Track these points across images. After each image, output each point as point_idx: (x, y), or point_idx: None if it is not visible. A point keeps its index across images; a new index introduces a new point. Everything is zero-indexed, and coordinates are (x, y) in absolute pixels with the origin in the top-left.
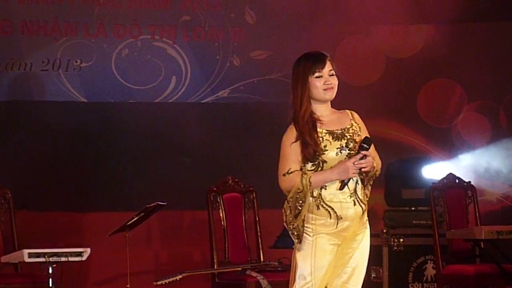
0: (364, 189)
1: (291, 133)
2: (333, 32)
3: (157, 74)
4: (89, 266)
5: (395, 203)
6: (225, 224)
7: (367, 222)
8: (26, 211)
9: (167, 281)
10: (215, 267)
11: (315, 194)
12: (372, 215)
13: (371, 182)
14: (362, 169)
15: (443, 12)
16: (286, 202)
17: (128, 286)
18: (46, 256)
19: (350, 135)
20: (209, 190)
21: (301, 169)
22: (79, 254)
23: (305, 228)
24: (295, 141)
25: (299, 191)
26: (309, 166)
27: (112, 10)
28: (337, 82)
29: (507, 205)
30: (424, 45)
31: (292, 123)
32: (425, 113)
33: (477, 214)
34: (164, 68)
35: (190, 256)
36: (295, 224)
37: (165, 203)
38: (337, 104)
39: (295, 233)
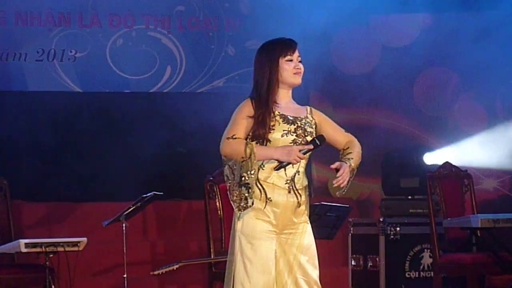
0: (306, 192)
1: (248, 107)
2: (329, 21)
3: (151, 64)
4: (86, 256)
5: (392, 192)
6: (221, 213)
7: (306, 217)
8: (22, 201)
9: (164, 270)
10: (212, 256)
11: None
12: (369, 204)
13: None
14: (338, 184)
15: (439, 1)
16: (227, 167)
17: (125, 276)
18: (43, 246)
19: (301, 124)
20: (205, 180)
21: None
22: (76, 244)
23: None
24: (251, 117)
25: (243, 159)
26: (253, 144)
27: (106, 0)
28: (303, 69)
29: (503, 193)
30: (421, 34)
31: (249, 98)
32: (422, 102)
33: (474, 203)
34: (159, 58)
35: (186, 245)
36: (238, 192)
37: (161, 193)
38: (334, 93)
39: (236, 200)
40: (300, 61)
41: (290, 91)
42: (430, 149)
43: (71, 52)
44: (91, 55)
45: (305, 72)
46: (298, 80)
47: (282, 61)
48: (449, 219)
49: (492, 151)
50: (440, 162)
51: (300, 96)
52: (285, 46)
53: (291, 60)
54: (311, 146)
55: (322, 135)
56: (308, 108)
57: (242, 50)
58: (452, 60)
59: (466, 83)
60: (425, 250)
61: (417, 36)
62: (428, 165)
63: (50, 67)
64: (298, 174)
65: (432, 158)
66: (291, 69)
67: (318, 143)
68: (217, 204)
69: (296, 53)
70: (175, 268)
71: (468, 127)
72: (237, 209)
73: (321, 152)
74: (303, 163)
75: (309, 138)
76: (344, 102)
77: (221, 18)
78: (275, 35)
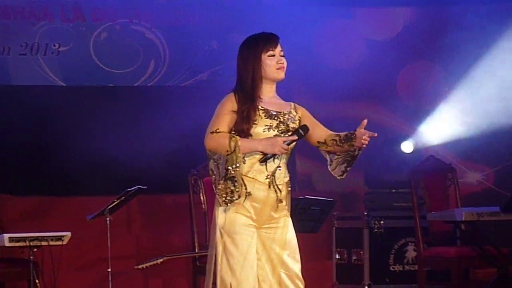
0: (287, 187)
1: (231, 102)
2: (313, 14)
3: (135, 58)
4: (70, 250)
5: (375, 185)
6: (206, 207)
7: (287, 211)
8: (6, 196)
9: (148, 264)
10: (196, 250)
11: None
12: (353, 198)
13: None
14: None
15: None
16: (212, 161)
17: (109, 270)
18: (27, 241)
19: (284, 119)
20: (189, 174)
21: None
22: (60, 238)
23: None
24: (235, 111)
25: (227, 153)
26: (237, 137)
27: None
28: (286, 64)
29: (487, 186)
30: (405, 28)
31: (233, 92)
32: (406, 95)
33: (458, 196)
34: (143, 52)
35: (171, 239)
36: (223, 185)
37: (145, 187)
38: (318, 87)
39: (223, 195)
40: (283, 55)
41: (274, 86)
42: (414, 142)
43: (54, 46)
44: (75, 49)
45: (289, 66)
46: (281, 75)
47: (265, 57)
48: (433, 212)
49: (477, 144)
50: (414, 148)
51: (284, 90)
52: (267, 41)
53: (273, 55)
54: (295, 137)
55: (305, 125)
56: (292, 104)
57: (226, 43)
58: (436, 54)
59: (450, 76)
60: (409, 243)
61: (400, 29)
62: (406, 153)
63: (34, 61)
64: (280, 169)
65: (409, 145)
66: (273, 65)
67: (302, 133)
68: (202, 198)
69: (279, 48)
70: (159, 262)
71: (453, 121)
72: (223, 203)
73: (305, 145)
74: (284, 158)
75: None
76: (328, 95)
77: (205, 11)
78: (258, 29)
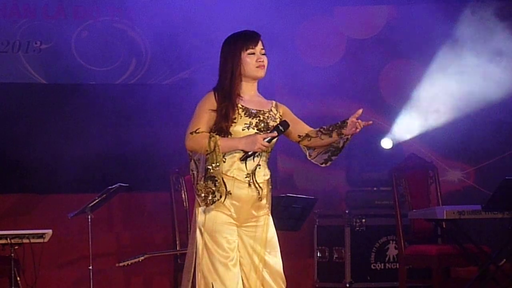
0: (268, 185)
1: (210, 100)
2: (295, 13)
3: (117, 55)
4: (51, 248)
5: (356, 183)
6: (187, 205)
7: (268, 210)
8: None
9: (129, 262)
10: (178, 248)
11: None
12: (334, 196)
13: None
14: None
15: None
16: (193, 162)
17: (90, 267)
18: (8, 238)
19: (264, 118)
20: (171, 172)
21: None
22: (41, 235)
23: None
24: (214, 110)
25: (207, 152)
26: (217, 136)
27: None
28: (267, 62)
29: (468, 184)
30: (385, 26)
31: (212, 91)
32: (387, 94)
33: (439, 194)
34: (124, 50)
35: (152, 237)
36: (204, 185)
37: (127, 185)
38: (299, 85)
39: (202, 195)
40: (264, 54)
41: (255, 84)
42: (395, 140)
43: (36, 43)
44: (56, 46)
45: (270, 64)
46: (261, 73)
47: (244, 55)
48: (414, 210)
49: (457, 141)
50: (393, 144)
51: (265, 88)
52: (247, 39)
53: (253, 53)
54: (275, 133)
55: (285, 121)
56: (274, 102)
57: (208, 41)
58: (417, 52)
59: (430, 73)
60: (391, 241)
61: (382, 28)
62: (386, 149)
63: (15, 58)
64: (259, 168)
65: (389, 141)
66: (253, 63)
67: (282, 130)
68: (183, 195)
69: (259, 46)
70: (140, 260)
71: (433, 119)
72: (203, 204)
73: (287, 143)
74: (265, 156)
75: None
76: (310, 94)
77: (187, 9)
78: (241, 27)
